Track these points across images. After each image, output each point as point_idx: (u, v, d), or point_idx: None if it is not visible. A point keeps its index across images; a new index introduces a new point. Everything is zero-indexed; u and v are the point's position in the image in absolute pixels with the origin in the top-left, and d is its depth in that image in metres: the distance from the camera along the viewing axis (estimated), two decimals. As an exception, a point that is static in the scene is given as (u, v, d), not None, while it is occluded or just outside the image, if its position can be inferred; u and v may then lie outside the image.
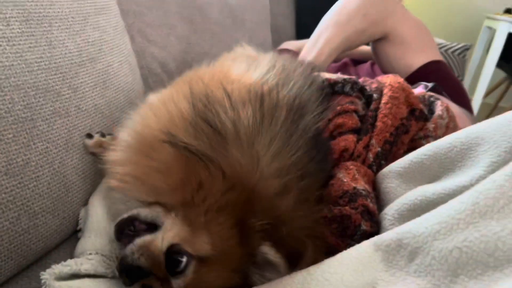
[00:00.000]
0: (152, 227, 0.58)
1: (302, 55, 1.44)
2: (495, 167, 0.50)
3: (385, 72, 1.47)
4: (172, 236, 0.56)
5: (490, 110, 3.70)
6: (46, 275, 0.59)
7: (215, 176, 0.56)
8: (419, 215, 0.56)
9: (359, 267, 0.50)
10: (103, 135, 0.78)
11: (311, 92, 0.76)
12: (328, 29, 1.39)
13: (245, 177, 0.56)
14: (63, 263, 0.62)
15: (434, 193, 0.55)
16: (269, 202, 0.56)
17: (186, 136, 0.58)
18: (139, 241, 0.57)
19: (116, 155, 0.66)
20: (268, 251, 0.54)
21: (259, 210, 0.56)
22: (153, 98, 0.74)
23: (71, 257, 0.66)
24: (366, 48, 1.73)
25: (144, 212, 0.59)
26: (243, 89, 0.68)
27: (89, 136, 0.77)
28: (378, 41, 1.42)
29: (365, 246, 0.52)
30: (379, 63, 1.50)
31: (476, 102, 3.12)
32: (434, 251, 0.44)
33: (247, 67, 0.79)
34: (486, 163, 0.52)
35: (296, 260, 0.55)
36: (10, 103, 0.61)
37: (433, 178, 0.61)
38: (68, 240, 0.75)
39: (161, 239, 0.56)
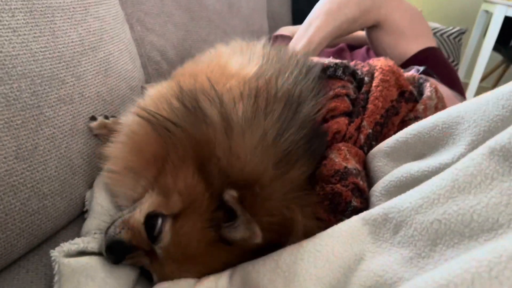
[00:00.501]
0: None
1: (292, 43, 1.45)
2: (474, 145, 0.53)
3: None
4: (147, 206, 0.61)
5: (487, 94, 3.70)
6: (56, 253, 0.62)
7: (176, 136, 0.60)
8: (404, 191, 0.60)
9: (349, 240, 0.53)
10: (106, 117, 0.82)
11: (306, 82, 0.78)
12: (319, 17, 1.39)
13: (211, 137, 0.59)
14: (71, 241, 0.65)
15: (418, 170, 0.59)
16: (239, 160, 0.58)
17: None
18: (119, 220, 0.62)
19: (109, 150, 0.71)
20: (229, 198, 0.56)
21: (222, 159, 0.58)
22: (149, 94, 0.76)
23: (79, 236, 0.70)
24: (361, 33, 1.74)
25: (128, 209, 0.65)
26: (241, 84, 0.71)
27: (93, 118, 0.80)
28: (371, 29, 1.43)
29: (354, 221, 0.55)
30: (374, 50, 1.52)
31: (473, 86, 3.14)
32: (416, 224, 0.47)
33: (243, 60, 0.81)
34: (467, 141, 0.55)
35: (289, 228, 0.58)
36: (18, 90, 0.64)
37: (418, 156, 0.65)
38: (75, 220, 0.79)
39: (139, 212, 0.61)
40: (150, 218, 0.60)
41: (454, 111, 0.59)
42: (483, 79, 3.34)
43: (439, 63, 1.40)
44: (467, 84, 3.12)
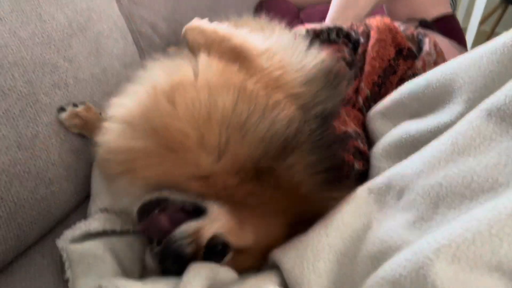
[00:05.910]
0: (193, 212, 0.56)
1: (331, 18, 1.27)
2: (472, 103, 0.53)
3: None
4: (218, 226, 0.55)
5: (487, 38, 3.64)
6: (61, 242, 0.63)
7: (270, 185, 0.57)
8: (404, 152, 0.60)
9: (356, 209, 0.54)
10: (75, 105, 0.75)
11: (335, 97, 0.70)
12: None
13: (299, 186, 0.58)
14: (73, 227, 0.65)
15: (418, 131, 0.59)
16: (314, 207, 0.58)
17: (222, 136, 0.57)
18: (188, 227, 0.54)
19: (130, 142, 0.59)
20: None
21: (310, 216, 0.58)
22: (163, 82, 0.61)
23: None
24: None
25: (178, 197, 0.56)
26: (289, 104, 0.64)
27: (62, 109, 0.73)
28: None
29: (360, 191, 0.56)
30: (388, 14, 1.45)
31: (472, 30, 3.07)
32: (418, 188, 0.48)
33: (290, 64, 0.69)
34: (464, 99, 0.54)
35: None
36: (11, 80, 0.64)
37: (415, 114, 0.64)
38: (85, 202, 0.79)
39: (209, 228, 0.55)
40: (215, 241, 0.55)
41: (448, 68, 0.58)
42: (482, 22, 3.26)
43: (452, 31, 1.34)
44: (465, 29, 3.06)
